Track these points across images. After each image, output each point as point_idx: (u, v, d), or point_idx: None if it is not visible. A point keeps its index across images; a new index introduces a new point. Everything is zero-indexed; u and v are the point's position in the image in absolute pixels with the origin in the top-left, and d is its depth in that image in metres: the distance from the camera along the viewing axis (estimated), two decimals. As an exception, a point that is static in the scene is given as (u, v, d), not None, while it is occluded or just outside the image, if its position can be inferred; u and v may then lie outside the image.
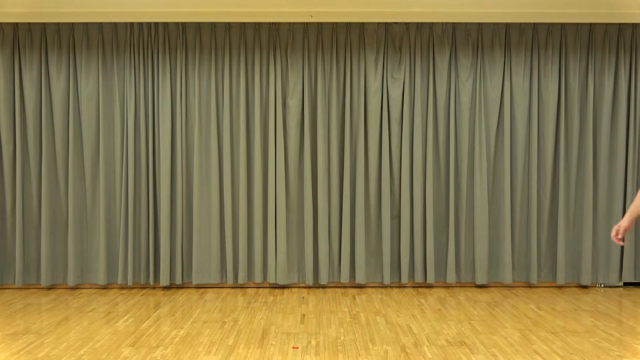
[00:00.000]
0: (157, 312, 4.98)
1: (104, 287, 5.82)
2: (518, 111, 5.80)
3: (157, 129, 5.75)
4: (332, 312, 4.99)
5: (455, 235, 5.81)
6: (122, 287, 5.82)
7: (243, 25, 5.72)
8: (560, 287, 5.89)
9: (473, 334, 4.35)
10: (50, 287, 5.82)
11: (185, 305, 5.20)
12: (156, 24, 5.71)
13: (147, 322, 4.68)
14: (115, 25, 5.71)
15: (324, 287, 5.88)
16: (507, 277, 5.77)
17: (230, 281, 5.78)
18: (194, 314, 4.91)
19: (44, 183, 5.68)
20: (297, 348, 4.05)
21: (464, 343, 4.15)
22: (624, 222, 3.11)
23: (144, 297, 5.48)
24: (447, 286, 5.88)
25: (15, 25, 5.69)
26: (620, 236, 3.13)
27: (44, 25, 5.69)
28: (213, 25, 5.73)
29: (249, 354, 3.92)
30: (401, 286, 5.89)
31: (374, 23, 5.73)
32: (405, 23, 5.75)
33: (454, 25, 5.76)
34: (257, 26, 5.72)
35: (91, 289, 5.80)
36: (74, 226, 5.70)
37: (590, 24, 5.76)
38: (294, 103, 5.74)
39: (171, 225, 5.75)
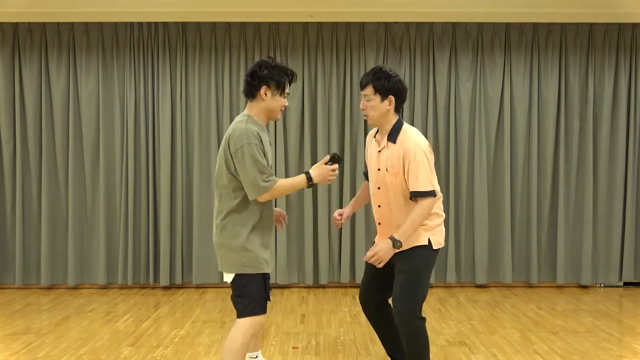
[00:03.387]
0: (157, 312, 4.98)
1: (104, 287, 5.82)
2: (518, 111, 5.79)
3: (157, 129, 5.75)
4: (332, 312, 4.99)
5: (455, 235, 5.81)
6: (122, 287, 5.82)
7: (243, 25, 5.72)
8: (560, 287, 5.89)
9: (473, 334, 4.35)
10: (50, 287, 5.82)
11: (185, 305, 5.20)
12: (156, 24, 5.71)
13: (147, 322, 4.68)
14: (115, 25, 5.71)
15: (324, 287, 5.87)
16: (507, 277, 5.77)
17: (230, 281, 5.77)
18: (194, 314, 4.91)
19: (44, 183, 5.68)
20: (297, 348, 4.04)
21: (464, 343, 4.15)
22: None
23: (144, 297, 5.48)
24: (447, 286, 5.88)
25: (15, 25, 5.69)
26: None
27: (44, 25, 5.69)
28: (213, 25, 5.72)
29: (249, 354, 3.92)
30: (401, 286, 5.88)
31: (374, 23, 5.72)
32: (405, 23, 5.75)
33: (454, 25, 5.76)
34: (257, 26, 5.72)
35: (91, 289, 5.80)
36: (74, 226, 5.71)
37: (590, 24, 5.76)
38: (294, 103, 5.73)
39: (171, 225, 5.74)
